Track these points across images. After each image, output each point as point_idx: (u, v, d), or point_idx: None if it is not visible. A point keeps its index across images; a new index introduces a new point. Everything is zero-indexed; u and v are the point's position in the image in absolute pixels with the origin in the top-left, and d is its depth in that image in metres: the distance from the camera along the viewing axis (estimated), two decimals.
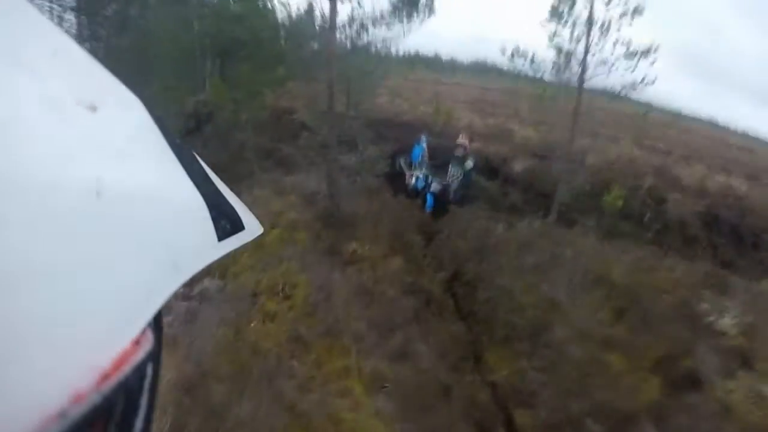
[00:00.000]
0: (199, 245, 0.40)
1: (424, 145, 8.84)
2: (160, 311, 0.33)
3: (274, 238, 5.73)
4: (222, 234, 0.43)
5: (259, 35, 9.79)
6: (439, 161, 8.74)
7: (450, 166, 8.11)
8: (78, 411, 0.25)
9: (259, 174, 8.33)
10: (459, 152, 8.01)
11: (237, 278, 5.08)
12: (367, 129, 8.93)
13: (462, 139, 8.24)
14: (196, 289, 4.86)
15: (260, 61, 9.45)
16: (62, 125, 0.30)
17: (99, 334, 0.28)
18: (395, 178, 9.00)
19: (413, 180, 8.59)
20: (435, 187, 8.18)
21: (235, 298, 4.74)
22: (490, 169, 9.56)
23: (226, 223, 0.45)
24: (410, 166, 8.82)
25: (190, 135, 9.84)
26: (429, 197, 8.18)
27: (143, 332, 0.31)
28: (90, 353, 0.27)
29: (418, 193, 8.44)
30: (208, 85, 10.14)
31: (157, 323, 0.34)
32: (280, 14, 9.69)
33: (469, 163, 7.93)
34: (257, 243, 5.22)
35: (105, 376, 0.27)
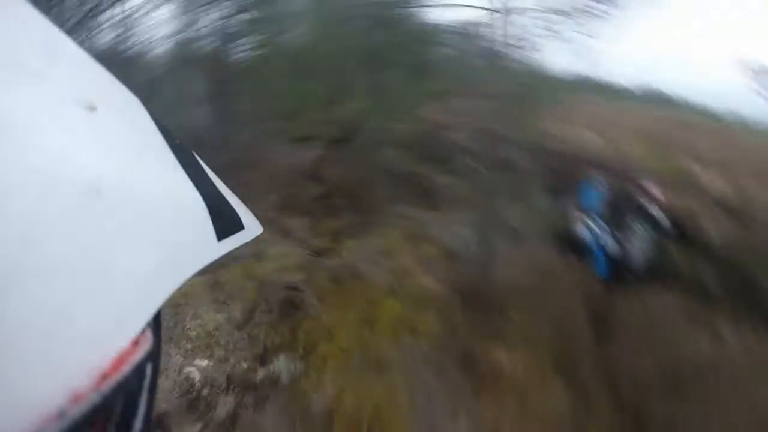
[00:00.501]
0: (198, 245, 0.41)
1: (603, 189, 7.10)
2: (159, 311, 0.34)
3: (389, 318, 4.16)
4: (222, 234, 0.44)
5: (414, 39, 8.72)
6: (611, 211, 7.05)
7: (632, 221, 6.31)
8: (77, 411, 0.26)
9: (391, 206, 6.61)
10: (650, 206, 6.20)
11: (320, 371, 3.65)
12: (535, 160, 7.37)
13: (654, 188, 6.41)
14: (262, 373, 3.56)
15: (414, 69, 8.40)
16: (62, 125, 0.31)
17: (98, 334, 0.29)
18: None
19: (580, 228, 6.89)
20: (612, 247, 6.46)
21: (301, 413, 3.30)
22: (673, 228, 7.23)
23: (225, 222, 0.45)
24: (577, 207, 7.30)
25: (330, 148, 9.03)
26: (601, 256, 6.52)
27: (143, 332, 0.32)
28: (89, 353, 0.28)
29: (582, 248, 6.79)
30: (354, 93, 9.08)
31: (156, 323, 0.35)
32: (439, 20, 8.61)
33: (666, 224, 6.18)
34: (364, 317, 4.02)
35: (104, 376, 0.28)
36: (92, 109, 0.34)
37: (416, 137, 8.13)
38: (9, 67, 0.30)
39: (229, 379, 3.50)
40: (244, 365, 3.67)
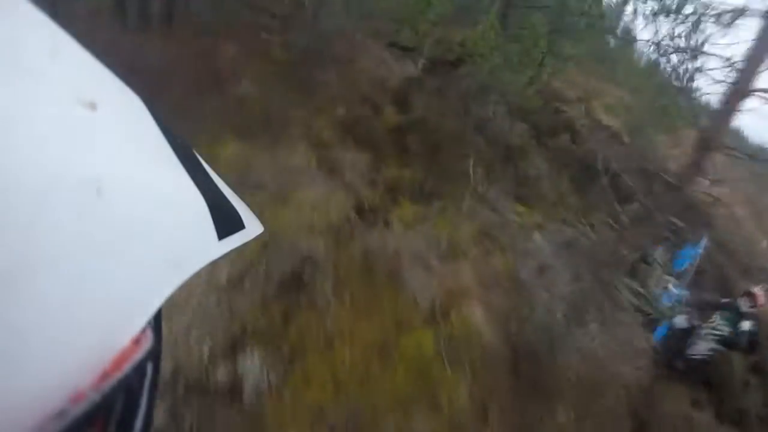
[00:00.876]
0: (199, 244, 0.41)
1: (701, 250, 5.98)
2: (160, 310, 0.34)
3: (412, 359, 2.81)
4: (222, 232, 0.43)
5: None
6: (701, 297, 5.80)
7: (716, 311, 5.22)
8: (78, 410, 0.26)
9: (476, 189, 4.80)
10: (744, 305, 5.05)
11: (297, 397, 2.52)
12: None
13: (759, 291, 5.16)
14: (223, 371, 2.60)
15: (562, 22, 6.28)
16: (62, 124, 0.31)
17: (99, 333, 0.29)
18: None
19: (663, 292, 5.76)
20: (679, 321, 5.32)
21: None
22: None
23: (226, 221, 0.45)
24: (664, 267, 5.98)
25: (431, 72, 6.98)
26: (663, 329, 5.42)
27: (143, 331, 0.32)
28: (90, 352, 0.28)
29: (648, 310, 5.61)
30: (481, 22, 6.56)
31: (157, 322, 0.35)
32: None
33: (746, 325, 4.94)
34: (382, 342, 2.69)
35: (105, 375, 0.28)
36: (93, 108, 0.34)
37: (530, 106, 6.09)
38: (9, 65, 0.29)
39: (176, 371, 2.50)
40: (205, 350, 2.66)
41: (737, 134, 10.17)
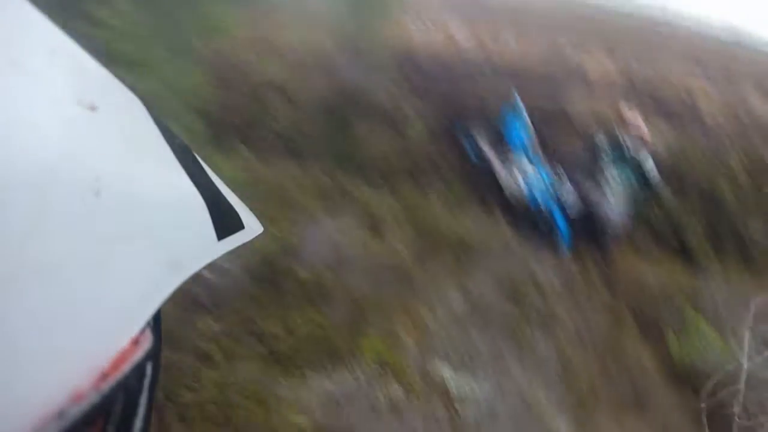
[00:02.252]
0: (198, 244, 0.40)
1: (524, 113, 4.86)
2: (159, 311, 0.34)
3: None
4: (221, 233, 0.43)
5: None
6: (562, 153, 4.93)
7: (604, 165, 4.43)
8: (77, 410, 0.25)
9: None
10: (630, 142, 4.34)
11: None
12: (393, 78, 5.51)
13: (632, 115, 4.45)
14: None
15: None
16: (62, 125, 0.31)
17: (98, 334, 0.29)
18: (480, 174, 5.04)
19: (517, 180, 4.70)
20: (573, 203, 4.51)
21: None
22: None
23: (225, 222, 0.45)
24: (501, 152, 4.90)
25: None
26: (560, 221, 4.54)
27: (142, 332, 0.32)
28: (89, 353, 0.28)
29: (527, 212, 4.70)
30: None
31: (156, 323, 0.35)
32: None
33: (650, 165, 4.29)
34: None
35: (104, 376, 0.28)
36: (92, 108, 0.34)
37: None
38: (10, 66, 0.29)
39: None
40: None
41: None
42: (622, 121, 4.49)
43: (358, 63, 5.85)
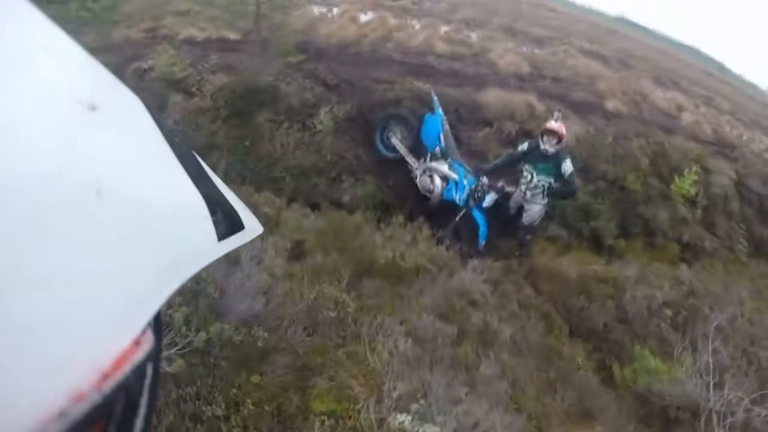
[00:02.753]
0: (198, 245, 0.41)
1: (440, 110, 4.88)
2: (160, 311, 0.34)
3: None
4: (222, 234, 0.44)
5: None
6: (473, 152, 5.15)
7: (524, 165, 4.56)
8: (78, 410, 0.26)
9: None
10: (548, 143, 4.36)
11: None
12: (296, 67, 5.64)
13: (555, 122, 4.45)
14: None
15: None
16: (62, 125, 0.31)
17: (99, 334, 0.29)
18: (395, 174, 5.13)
19: (434, 182, 4.72)
20: (490, 199, 4.58)
21: None
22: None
23: (225, 222, 0.45)
24: (418, 152, 5.00)
25: None
26: (479, 217, 4.56)
27: (143, 332, 0.32)
28: (90, 353, 0.28)
29: (444, 209, 4.73)
30: None
31: (157, 323, 0.35)
32: None
33: (568, 166, 4.35)
34: None
35: (105, 376, 0.28)
36: (92, 108, 0.34)
37: None
38: (10, 66, 0.29)
39: None
40: None
41: None
42: (542, 120, 4.69)
43: (263, 55, 5.92)
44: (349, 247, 3.78)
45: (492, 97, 6.07)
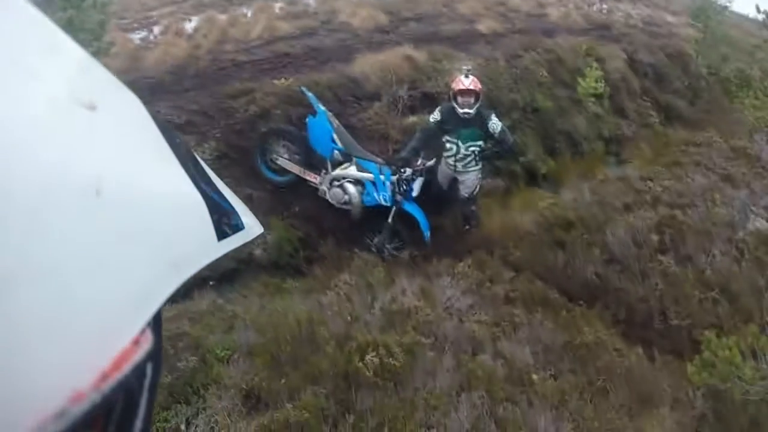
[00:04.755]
0: (198, 245, 0.40)
1: (320, 106, 4.21)
2: (159, 311, 0.34)
3: None
4: (221, 234, 0.43)
5: None
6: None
7: (444, 137, 4.00)
8: (77, 410, 0.25)
9: None
10: (465, 106, 3.83)
11: None
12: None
13: (465, 79, 3.88)
14: None
15: None
16: (62, 125, 0.30)
17: (98, 334, 0.28)
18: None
19: (347, 191, 4.06)
20: (416, 186, 4.03)
21: None
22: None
23: (225, 222, 0.44)
24: (314, 163, 4.27)
25: None
26: (413, 210, 4.00)
27: (143, 332, 0.32)
28: (89, 353, 0.27)
29: (373, 216, 4.11)
30: None
31: (156, 323, 0.34)
32: None
33: (495, 122, 3.85)
34: None
35: (104, 376, 0.27)
36: (92, 108, 0.33)
37: None
38: (9, 66, 0.29)
39: None
40: None
41: None
42: (465, 92, 3.86)
43: None
44: (311, 360, 2.72)
45: (365, 64, 5.30)
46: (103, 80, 0.37)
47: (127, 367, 0.29)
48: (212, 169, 0.48)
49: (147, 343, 0.32)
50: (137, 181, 0.34)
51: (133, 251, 0.32)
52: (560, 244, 3.85)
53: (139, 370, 0.30)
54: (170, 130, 0.43)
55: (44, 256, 0.25)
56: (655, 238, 3.75)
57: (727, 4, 8.16)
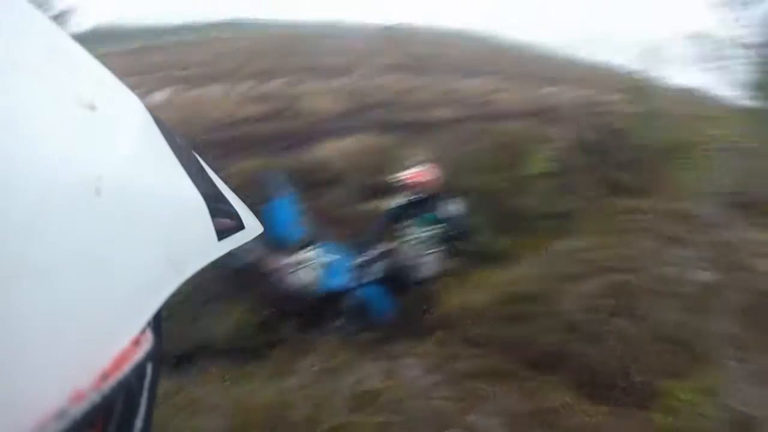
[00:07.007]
0: (198, 245, 0.41)
1: (284, 191, 4.20)
2: (159, 311, 0.34)
3: None
4: (222, 233, 0.43)
5: None
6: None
7: (402, 223, 4.10)
8: (78, 410, 0.25)
9: None
10: (414, 195, 4.05)
11: None
12: None
13: (409, 172, 4.13)
14: None
15: None
16: (62, 125, 0.31)
17: (98, 334, 0.29)
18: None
19: (306, 277, 3.95)
20: (377, 269, 4.02)
21: None
22: None
23: (225, 222, 0.45)
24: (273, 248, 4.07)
25: None
26: (376, 292, 4.00)
27: (143, 332, 0.32)
28: (89, 353, 0.28)
29: (334, 299, 4.00)
30: None
31: (156, 323, 0.35)
32: None
33: (449, 208, 4.03)
34: None
35: (104, 376, 0.28)
36: (92, 108, 0.33)
37: None
38: (10, 66, 0.29)
39: None
40: None
41: None
42: (415, 185, 3.99)
43: None
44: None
45: (329, 150, 5.52)
46: (103, 80, 0.38)
47: (127, 367, 0.29)
48: None
49: (147, 343, 0.32)
50: (137, 180, 0.35)
51: (133, 251, 0.32)
52: (518, 317, 3.97)
53: (139, 370, 0.31)
54: (171, 131, 0.43)
55: (44, 255, 0.25)
56: (609, 302, 3.94)
57: (661, 82, 8.95)
